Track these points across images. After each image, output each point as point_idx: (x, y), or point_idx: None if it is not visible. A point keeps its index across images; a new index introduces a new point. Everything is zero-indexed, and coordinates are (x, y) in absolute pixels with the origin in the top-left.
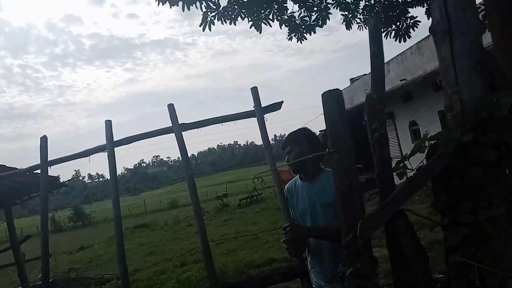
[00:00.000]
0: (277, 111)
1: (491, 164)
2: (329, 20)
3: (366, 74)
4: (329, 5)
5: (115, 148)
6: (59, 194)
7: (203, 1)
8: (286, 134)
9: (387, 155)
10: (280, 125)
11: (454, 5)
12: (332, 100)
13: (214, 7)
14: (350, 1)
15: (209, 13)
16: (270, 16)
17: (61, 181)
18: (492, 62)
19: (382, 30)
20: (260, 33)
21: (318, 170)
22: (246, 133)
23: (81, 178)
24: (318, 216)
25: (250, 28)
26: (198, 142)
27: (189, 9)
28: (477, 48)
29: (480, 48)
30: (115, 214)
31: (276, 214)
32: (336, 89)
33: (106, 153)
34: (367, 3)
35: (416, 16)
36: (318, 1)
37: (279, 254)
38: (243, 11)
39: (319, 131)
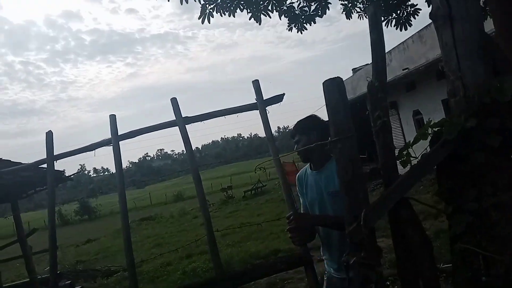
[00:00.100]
0: (279, 103)
1: (495, 149)
2: (328, 10)
3: (368, 64)
4: None
5: (120, 142)
6: (65, 188)
7: None
8: (290, 126)
9: (391, 143)
10: (283, 117)
11: None
12: (333, 88)
13: None
14: None
15: (207, 5)
16: (269, 7)
17: (66, 175)
18: (494, 47)
19: (383, 18)
20: (259, 24)
21: (326, 158)
22: (250, 125)
23: (86, 172)
24: (326, 205)
25: (250, 19)
26: (202, 135)
27: (187, 2)
28: (479, 33)
29: (481, 33)
30: (122, 207)
31: (281, 205)
32: (338, 77)
33: (111, 147)
34: None
35: (417, 4)
36: None
37: (284, 245)
38: (242, 2)
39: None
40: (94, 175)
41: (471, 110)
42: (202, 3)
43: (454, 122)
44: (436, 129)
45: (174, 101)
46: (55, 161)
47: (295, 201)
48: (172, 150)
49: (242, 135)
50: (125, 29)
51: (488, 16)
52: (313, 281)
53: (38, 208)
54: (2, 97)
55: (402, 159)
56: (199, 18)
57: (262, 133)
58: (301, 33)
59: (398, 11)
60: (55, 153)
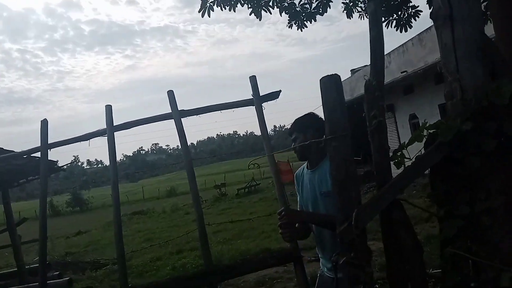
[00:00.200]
0: (275, 99)
1: (490, 154)
2: (329, 8)
3: (367, 65)
4: None
5: (114, 134)
6: (57, 179)
7: None
8: (286, 125)
9: (385, 143)
10: (280, 116)
11: None
12: (330, 85)
13: None
14: None
15: None
16: (270, 3)
17: (60, 166)
18: (493, 49)
19: (383, 19)
20: (260, 20)
21: (322, 157)
22: (246, 122)
23: (80, 163)
24: (318, 205)
25: (250, 14)
26: (197, 131)
27: None
28: (479, 35)
29: (481, 35)
30: (114, 197)
31: (274, 204)
32: (335, 74)
33: (106, 137)
34: None
35: (418, 6)
36: None
37: (275, 244)
38: None
39: None
40: (88, 167)
41: (468, 113)
42: None
43: (450, 125)
44: (431, 131)
45: (170, 94)
46: (49, 150)
47: (288, 200)
48: (167, 145)
49: (238, 133)
50: (124, 20)
51: (489, 21)
52: (302, 278)
53: (30, 198)
54: None
55: (396, 160)
56: (199, 12)
57: (258, 131)
58: (301, 30)
59: (399, 12)
60: (49, 142)
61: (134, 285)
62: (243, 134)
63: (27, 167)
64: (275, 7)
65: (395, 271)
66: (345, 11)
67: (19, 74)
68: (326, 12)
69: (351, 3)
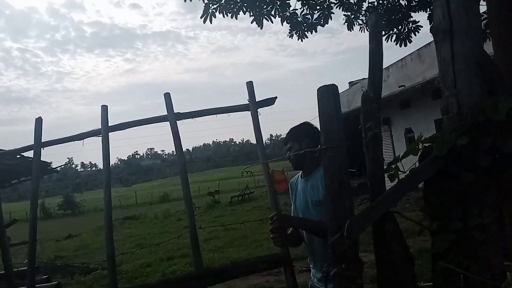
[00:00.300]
0: (271, 106)
1: (484, 170)
2: (331, 19)
3: (365, 78)
4: (332, 5)
5: (110, 135)
6: (50, 180)
7: None
8: (282, 134)
9: (380, 155)
10: (278, 125)
11: (457, 4)
12: (328, 95)
13: None
14: (353, 2)
15: (210, 5)
16: (272, 12)
17: (53, 167)
18: (492, 66)
19: (384, 33)
20: (261, 28)
21: (316, 166)
22: (242, 130)
23: (73, 166)
24: (310, 214)
25: (252, 23)
26: (193, 137)
27: (191, 0)
28: (478, 50)
29: (480, 51)
30: (106, 199)
31: (268, 213)
32: (333, 84)
33: (100, 138)
34: (370, 4)
35: (419, 21)
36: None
37: (267, 253)
38: (245, 4)
39: None
40: (82, 169)
41: (464, 128)
42: (205, 2)
43: (445, 139)
44: (427, 145)
45: (167, 97)
46: (42, 149)
47: (281, 208)
48: (162, 150)
49: (234, 140)
50: (127, 23)
51: (488, 39)
52: (292, 282)
53: (22, 199)
54: None
55: (390, 172)
56: (201, 18)
57: (254, 139)
58: (302, 40)
59: (400, 27)
60: (43, 141)
61: (127, 285)
62: (239, 142)
63: (20, 167)
64: (277, 16)
65: (386, 283)
66: (346, 23)
67: (17, 73)
68: (327, 23)
69: (353, 16)
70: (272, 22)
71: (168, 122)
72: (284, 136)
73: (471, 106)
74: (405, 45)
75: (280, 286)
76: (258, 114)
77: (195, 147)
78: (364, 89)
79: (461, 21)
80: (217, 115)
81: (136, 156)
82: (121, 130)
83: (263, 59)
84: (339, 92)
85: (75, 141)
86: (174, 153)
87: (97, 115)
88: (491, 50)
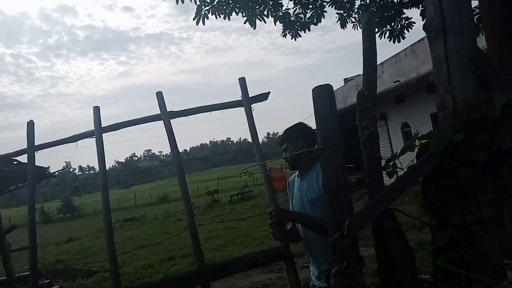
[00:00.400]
0: (264, 101)
1: (481, 165)
2: (324, 18)
3: (360, 74)
4: (324, 3)
5: (105, 136)
6: (48, 185)
7: None
8: (279, 133)
9: (377, 153)
10: (274, 123)
11: (449, 2)
12: (323, 95)
13: (208, 0)
14: (345, 0)
15: (203, 6)
16: (265, 12)
17: (51, 172)
18: (485, 61)
19: (376, 30)
20: (254, 29)
21: (311, 165)
22: (239, 129)
23: (71, 170)
24: (306, 212)
25: (245, 23)
26: (190, 138)
27: (183, 2)
28: (471, 47)
29: (474, 47)
30: (104, 200)
31: (267, 211)
32: (327, 84)
33: (94, 139)
34: (362, 2)
35: (411, 17)
36: None
37: None
38: (238, 5)
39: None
40: (80, 173)
41: (460, 124)
42: (197, 4)
43: (441, 136)
44: (423, 142)
45: (159, 95)
46: (36, 152)
47: (279, 205)
48: (160, 151)
49: (231, 139)
50: (119, 26)
51: (481, 33)
52: (293, 275)
53: (21, 205)
54: None
55: (389, 169)
56: (194, 19)
57: (251, 138)
58: (295, 40)
59: (392, 23)
60: (37, 144)
61: (127, 286)
62: (236, 141)
63: (17, 174)
64: (270, 16)
65: (387, 279)
66: (339, 22)
67: (11, 79)
68: (320, 22)
69: (345, 14)
70: (265, 22)
71: (162, 121)
72: (282, 134)
73: (466, 102)
74: (399, 42)
75: (282, 283)
76: (252, 110)
77: (192, 147)
78: (359, 88)
79: (453, 18)
80: (212, 114)
81: (133, 158)
82: (115, 130)
83: (257, 58)
84: (334, 89)
85: (72, 146)
86: (172, 154)
87: (92, 118)
88: (484, 45)
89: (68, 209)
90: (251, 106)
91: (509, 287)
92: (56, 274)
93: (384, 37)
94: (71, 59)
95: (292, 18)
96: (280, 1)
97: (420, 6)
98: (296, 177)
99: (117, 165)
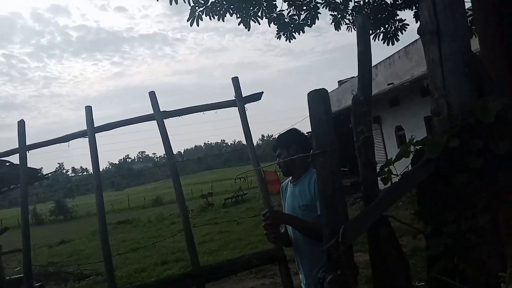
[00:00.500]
0: (257, 101)
1: (476, 171)
2: (318, 20)
3: (354, 76)
4: (318, 5)
5: (98, 138)
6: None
7: None
8: (273, 135)
9: (372, 158)
10: (268, 125)
11: (443, 6)
12: (318, 100)
13: (202, 1)
14: (339, 1)
15: (197, 7)
16: (259, 14)
17: (43, 174)
18: (480, 65)
19: (371, 32)
20: (248, 30)
21: (304, 171)
22: (233, 132)
23: (64, 171)
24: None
25: (239, 25)
26: (184, 139)
27: (176, 3)
28: (465, 51)
29: (468, 51)
30: (98, 202)
31: (260, 214)
32: (322, 88)
33: (87, 140)
34: (356, 4)
35: (405, 19)
36: (307, 0)
37: None
38: (232, 7)
39: (306, 133)
40: (73, 174)
41: (454, 130)
42: (191, 5)
43: (436, 142)
44: (418, 147)
45: (152, 95)
46: (28, 152)
47: (273, 206)
48: (154, 153)
49: (225, 141)
50: (113, 27)
51: (474, 36)
52: (286, 277)
53: (13, 206)
54: None
55: (383, 176)
56: (188, 20)
57: (245, 140)
58: (290, 41)
59: (386, 26)
60: (28, 144)
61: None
62: (230, 143)
63: (9, 175)
64: (264, 17)
65: (382, 286)
66: (333, 23)
67: (4, 79)
68: (314, 24)
69: (339, 16)
70: (259, 24)
71: (156, 121)
72: (276, 136)
73: (461, 107)
74: (393, 44)
75: None
76: (245, 109)
77: (186, 149)
78: (354, 92)
79: (447, 22)
80: (206, 116)
81: (127, 159)
82: (108, 130)
83: (251, 59)
84: (328, 91)
85: (65, 147)
86: (166, 156)
87: (85, 119)
88: (477, 47)
89: (60, 211)
90: (245, 106)
91: None
92: (47, 277)
93: (378, 39)
94: (64, 59)
95: (286, 20)
96: (274, 3)
97: (414, 8)
98: (289, 182)
99: (110, 167)
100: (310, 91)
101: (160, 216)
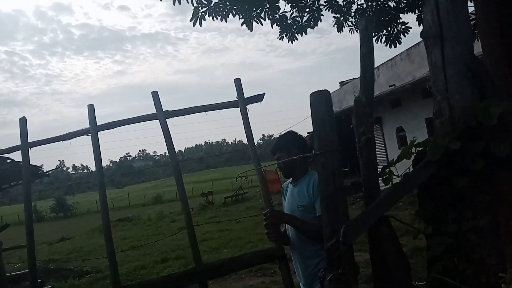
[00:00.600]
0: (259, 102)
1: (477, 173)
2: (320, 21)
3: (356, 78)
4: (321, 7)
5: (100, 135)
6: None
7: None
8: (274, 135)
9: (374, 159)
10: (269, 125)
11: (446, 10)
12: (320, 101)
13: (205, 2)
14: (342, 4)
15: (200, 8)
16: (262, 15)
17: (44, 171)
18: (482, 69)
19: (373, 34)
20: (251, 31)
21: (304, 172)
22: (234, 131)
23: (65, 168)
24: None
25: (242, 25)
26: (185, 138)
27: (180, 3)
28: (468, 54)
29: (471, 55)
30: (101, 199)
31: (261, 213)
32: (325, 90)
33: (90, 138)
34: (359, 6)
35: (407, 22)
36: (310, 2)
37: None
38: (235, 8)
39: (307, 133)
40: (73, 172)
41: (456, 132)
42: (194, 6)
43: (438, 144)
44: (420, 149)
45: (155, 95)
46: (29, 149)
47: (273, 206)
48: (154, 151)
49: (226, 140)
50: (115, 25)
51: (477, 39)
52: (286, 275)
53: (13, 203)
54: None
55: (385, 177)
56: (190, 21)
57: (246, 139)
58: (292, 43)
59: (389, 28)
60: (30, 141)
61: (126, 284)
62: (231, 142)
63: (10, 172)
64: (267, 18)
65: (382, 285)
66: (335, 25)
67: (5, 76)
68: (317, 25)
69: (342, 18)
70: (262, 25)
71: (158, 121)
72: (277, 135)
73: (463, 110)
74: (395, 46)
75: (276, 287)
76: (247, 110)
77: (187, 148)
78: (356, 94)
79: (450, 26)
80: (207, 115)
81: (128, 157)
82: (110, 129)
83: (253, 60)
84: (330, 92)
85: (66, 145)
86: (166, 154)
87: (86, 117)
88: (479, 51)
89: (61, 208)
90: (247, 107)
91: None
92: (48, 273)
93: (381, 42)
94: (66, 57)
95: (289, 21)
96: (277, 4)
97: (417, 11)
98: (289, 183)
99: (111, 165)
100: (313, 92)
101: (160, 214)
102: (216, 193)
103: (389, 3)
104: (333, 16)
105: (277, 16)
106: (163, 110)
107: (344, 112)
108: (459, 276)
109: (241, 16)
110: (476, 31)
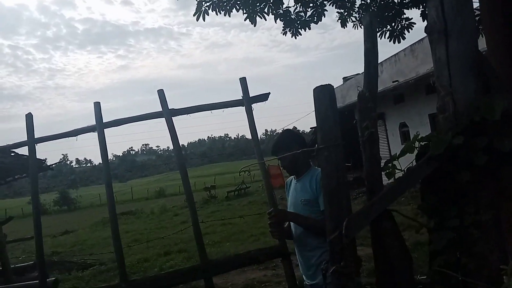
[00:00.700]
0: (264, 101)
1: (480, 168)
2: (324, 17)
3: (359, 73)
4: (325, 2)
5: (104, 131)
6: (45, 177)
7: None
8: (277, 130)
9: (377, 154)
10: (272, 120)
11: (451, 5)
12: (324, 95)
13: None
14: None
15: (203, 2)
16: (266, 10)
17: (48, 164)
18: (487, 64)
19: (377, 30)
20: (254, 26)
21: (306, 167)
22: (237, 126)
23: (68, 162)
24: (299, 211)
25: (245, 20)
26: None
27: None
28: (473, 50)
29: (475, 50)
30: (108, 194)
31: (263, 208)
32: (328, 84)
33: (95, 135)
34: (363, 1)
35: (411, 18)
36: None
37: (263, 247)
38: (238, 2)
39: (310, 128)
40: (77, 165)
41: (460, 127)
42: (198, 0)
43: (441, 138)
44: (423, 144)
45: (161, 93)
46: (36, 145)
47: (277, 204)
48: (157, 146)
49: (229, 135)
50: (119, 20)
51: (481, 35)
52: (289, 272)
53: (17, 196)
54: None
55: (388, 171)
56: (194, 15)
57: (249, 134)
58: (295, 38)
59: (393, 24)
60: (37, 137)
61: (133, 279)
62: (234, 137)
63: (14, 165)
64: (270, 13)
65: (384, 280)
66: (339, 21)
67: (9, 70)
68: (320, 21)
69: (346, 13)
70: (266, 20)
71: (163, 118)
72: (280, 131)
73: (467, 105)
74: (399, 42)
75: (278, 280)
76: (252, 109)
77: (190, 142)
78: (360, 89)
79: (455, 22)
80: (211, 110)
81: (131, 152)
82: (116, 126)
83: (257, 55)
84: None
85: (70, 139)
86: (169, 149)
87: (90, 111)
88: (484, 46)
89: (64, 201)
90: (251, 106)
91: None
92: (51, 266)
93: (385, 37)
94: (69, 51)
95: (292, 16)
96: None
97: (421, 6)
98: (293, 178)
99: (114, 159)
100: (316, 87)
101: (163, 208)
102: (218, 188)
103: None
104: (337, 11)
105: (281, 11)
106: (169, 108)
107: (347, 108)
108: (461, 271)
109: (244, 11)
110: (480, 27)
